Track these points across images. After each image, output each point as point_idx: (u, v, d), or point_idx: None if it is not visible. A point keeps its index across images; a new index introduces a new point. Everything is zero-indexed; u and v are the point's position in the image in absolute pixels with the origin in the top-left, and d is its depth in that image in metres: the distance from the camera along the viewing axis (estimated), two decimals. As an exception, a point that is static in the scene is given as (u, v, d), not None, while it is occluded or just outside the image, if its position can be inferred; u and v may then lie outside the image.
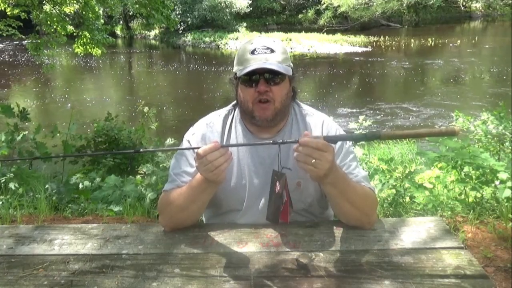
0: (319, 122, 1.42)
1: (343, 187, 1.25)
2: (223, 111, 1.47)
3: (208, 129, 1.43)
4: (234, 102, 1.46)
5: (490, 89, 11.80)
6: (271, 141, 1.18)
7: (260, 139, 1.39)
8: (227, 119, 1.45)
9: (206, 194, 1.28)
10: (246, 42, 1.36)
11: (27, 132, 3.83)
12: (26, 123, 4.11)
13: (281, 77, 1.31)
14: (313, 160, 1.12)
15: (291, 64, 1.35)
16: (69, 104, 11.36)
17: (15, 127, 3.79)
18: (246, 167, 1.39)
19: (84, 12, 7.72)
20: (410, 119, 9.33)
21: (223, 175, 1.18)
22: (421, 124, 8.87)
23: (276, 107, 1.32)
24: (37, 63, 8.64)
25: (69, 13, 8.69)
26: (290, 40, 22.14)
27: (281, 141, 1.17)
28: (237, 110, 1.45)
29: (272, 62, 1.27)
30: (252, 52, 1.29)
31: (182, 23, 25.48)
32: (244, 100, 1.34)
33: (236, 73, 1.34)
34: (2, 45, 24.61)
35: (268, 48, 1.30)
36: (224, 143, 1.40)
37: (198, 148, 1.15)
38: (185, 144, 1.42)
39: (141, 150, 1.22)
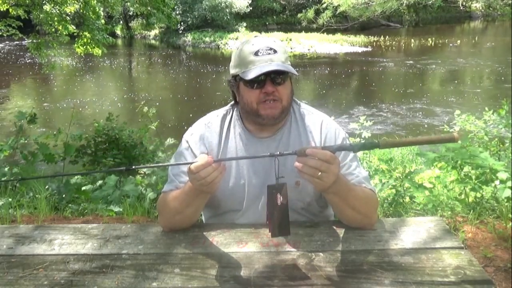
0: (318, 122, 1.42)
1: (344, 194, 1.24)
2: (222, 111, 1.47)
3: (207, 129, 1.43)
4: (232, 102, 1.46)
5: (490, 89, 11.80)
6: (268, 154, 1.15)
7: (259, 138, 1.39)
8: (225, 119, 1.45)
9: (201, 199, 1.28)
10: (245, 43, 1.35)
11: (29, 136, 3.86)
12: (31, 126, 4.13)
13: (284, 77, 1.31)
14: (320, 173, 1.09)
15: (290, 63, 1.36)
16: (67, 103, 11.35)
17: (20, 128, 3.81)
18: (245, 167, 1.38)
19: (84, 12, 7.72)
20: (411, 118, 9.32)
21: (218, 186, 1.17)
22: (421, 123, 8.87)
23: (284, 106, 1.33)
24: (41, 62, 8.65)
25: (69, 13, 8.69)
26: (290, 40, 22.13)
27: (278, 153, 1.13)
28: (235, 110, 1.45)
29: (277, 62, 1.28)
30: (256, 54, 1.29)
31: (182, 23, 25.48)
32: (248, 101, 1.33)
33: (238, 75, 1.33)
34: (1, 45, 24.61)
35: (271, 49, 1.30)
36: (222, 143, 1.40)
37: (192, 163, 1.12)
38: (183, 144, 1.43)
39: (134, 166, 1.20)
